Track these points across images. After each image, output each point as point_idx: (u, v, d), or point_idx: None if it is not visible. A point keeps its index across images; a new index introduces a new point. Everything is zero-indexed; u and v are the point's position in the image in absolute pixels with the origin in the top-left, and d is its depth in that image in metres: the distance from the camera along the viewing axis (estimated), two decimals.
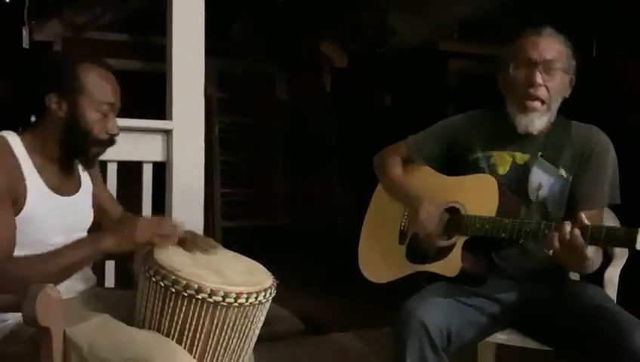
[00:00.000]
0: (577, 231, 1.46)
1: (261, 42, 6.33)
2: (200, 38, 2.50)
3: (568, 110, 1.83)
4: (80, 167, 1.63)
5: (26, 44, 4.90)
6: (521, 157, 1.80)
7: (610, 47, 4.92)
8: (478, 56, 5.83)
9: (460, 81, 6.16)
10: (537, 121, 1.75)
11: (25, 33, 4.86)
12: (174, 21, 2.47)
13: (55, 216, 1.49)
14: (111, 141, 1.55)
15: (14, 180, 1.42)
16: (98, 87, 1.50)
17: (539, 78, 1.72)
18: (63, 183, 1.55)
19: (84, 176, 1.65)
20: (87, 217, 1.65)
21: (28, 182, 1.45)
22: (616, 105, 5.01)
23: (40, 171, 1.48)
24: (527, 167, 1.78)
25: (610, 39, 4.95)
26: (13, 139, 1.47)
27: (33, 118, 1.55)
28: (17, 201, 1.42)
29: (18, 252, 1.41)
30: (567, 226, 1.48)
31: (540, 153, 1.78)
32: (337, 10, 6.05)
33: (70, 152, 1.53)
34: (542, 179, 1.76)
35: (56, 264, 1.41)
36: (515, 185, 1.77)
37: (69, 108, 1.48)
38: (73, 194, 1.58)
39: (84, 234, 1.61)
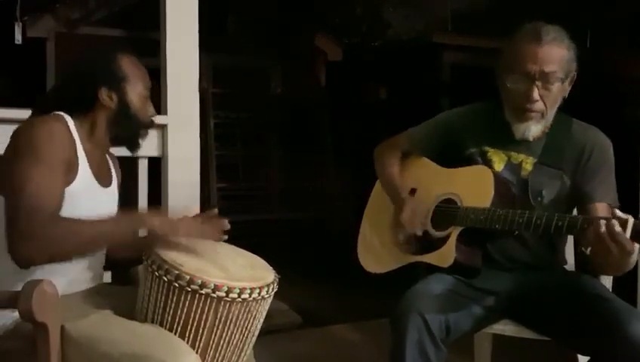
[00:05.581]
0: (614, 223, 1.38)
1: (256, 36, 6.31)
2: (194, 32, 2.49)
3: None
4: (111, 164, 1.69)
5: (18, 39, 4.86)
6: (516, 157, 1.79)
7: (604, 37, 4.92)
8: (473, 49, 5.83)
9: (454, 74, 6.15)
10: (534, 127, 1.74)
11: (17, 29, 4.82)
12: (168, 16, 2.45)
13: (91, 202, 1.52)
14: (152, 123, 1.65)
15: (72, 155, 1.48)
16: (138, 74, 1.59)
17: (536, 95, 1.68)
18: (102, 173, 1.60)
19: (114, 173, 1.69)
20: (114, 211, 1.66)
21: (80, 163, 1.50)
22: (611, 95, 5.01)
23: (87, 156, 1.53)
24: (526, 171, 1.77)
25: (605, 29, 4.95)
26: (70, 121, 1.53)
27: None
28: (68, 176, 1.46)
29: None
30: (601, 220, 1.42)
31: (539, 160, 1.76)
32: (332, 3, 6.04)
33: (121, 138, 1.61)
34: (543, 185, 1.75)
35: (99, 228, 1.44)
36: (510, 183, 1.77)
37: (119, 98, 1.56)
38: (107, 186, 1.62)
39: None
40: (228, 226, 1.56)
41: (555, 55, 1.67)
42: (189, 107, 2.49)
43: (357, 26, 6.29)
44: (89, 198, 1.51)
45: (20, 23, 4.88)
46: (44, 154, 1.40)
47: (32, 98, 1.68)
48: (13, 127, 1.53)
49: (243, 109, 6.35)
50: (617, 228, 1.38)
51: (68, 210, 1.45)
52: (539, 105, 1.70)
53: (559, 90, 1.72)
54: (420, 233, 1.80)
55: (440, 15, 5.81)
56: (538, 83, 1.67)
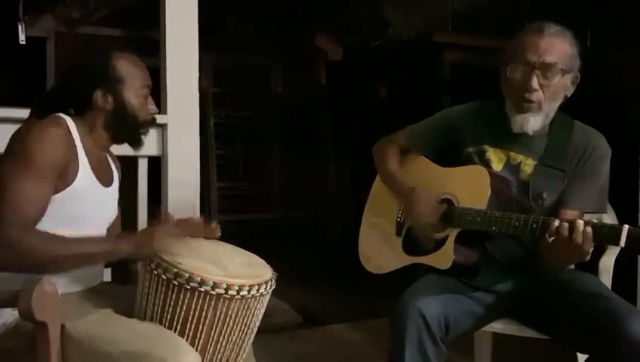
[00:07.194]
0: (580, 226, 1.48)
1: (256, 36, 6.32)
2: (194, 31, 2.50)
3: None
4: (112, 163, 1.69)
5: (22, 39, 4.86)
6: (515, 158, 1.78)
7: (604, 37, 4.92)
8: (473, 48, 5.82)
9: (454, 73, 6.15)
10: (532, 119, 1.73)
11: (21, 28, 4.81)
12: (168, 15, 2.46)
13: (92, 201, 1.52)
14: (153, 120, 1.64)
15: (69, 158, 1.47)
16: (135, 73, 1.57)
17: (535, 83, 1.68)
18: (103, 173, 1.60)
19: (115, 172, 1.69)
20: (115, 210, 1.67)
21: (80, 164, 1.49)
22: (611, 95, 5.02)
23: (87, 156, 1.53)
24: (525, 173, 1.76)
25: (605, 29, 4.95)
26: (70, 122, 1.52)
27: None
28: (66, 178, 1.46)
29: (50, 226, 1.43)
30: (557, 222, 1.51)
31: (541, 161, 1.75)
32: (332, 3, 6.04)
33: (120, 138, 1.61)
34: (544, 187, 1.74)
35: (73, 249, 1.42)
36: (509, 182, 1.77)
37: (114, 100, 1.55)
38: (108, 185, 1.62)
39: (107, 225, 1.65)
40: (219, 234, 1.60)
41: (557, 46, 1.68)
42: (189, 107, 2.50)
43: (357, 25, 6.28)
44: (90, 197, 1.52)
45: (23, 23, 4.86)
46: (33, 162, 1.39)
47: (32, 97, 1.68)
48: (14, 126, 1.54)
49: (243, 109, 6.35)
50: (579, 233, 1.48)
51: (69, 210, 1.45)
52: (537, 95, 1.69)
53: (560, 83, 1.71)
54: (430, 226, 1.78)
55: (440, 14, 5.81)
56: (538, 72, 1.68)
